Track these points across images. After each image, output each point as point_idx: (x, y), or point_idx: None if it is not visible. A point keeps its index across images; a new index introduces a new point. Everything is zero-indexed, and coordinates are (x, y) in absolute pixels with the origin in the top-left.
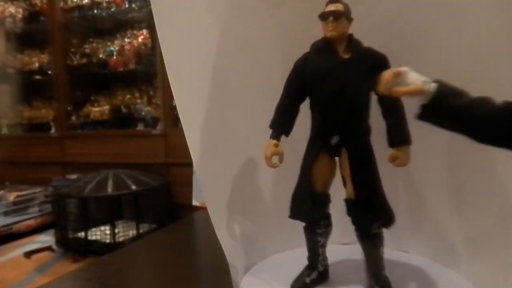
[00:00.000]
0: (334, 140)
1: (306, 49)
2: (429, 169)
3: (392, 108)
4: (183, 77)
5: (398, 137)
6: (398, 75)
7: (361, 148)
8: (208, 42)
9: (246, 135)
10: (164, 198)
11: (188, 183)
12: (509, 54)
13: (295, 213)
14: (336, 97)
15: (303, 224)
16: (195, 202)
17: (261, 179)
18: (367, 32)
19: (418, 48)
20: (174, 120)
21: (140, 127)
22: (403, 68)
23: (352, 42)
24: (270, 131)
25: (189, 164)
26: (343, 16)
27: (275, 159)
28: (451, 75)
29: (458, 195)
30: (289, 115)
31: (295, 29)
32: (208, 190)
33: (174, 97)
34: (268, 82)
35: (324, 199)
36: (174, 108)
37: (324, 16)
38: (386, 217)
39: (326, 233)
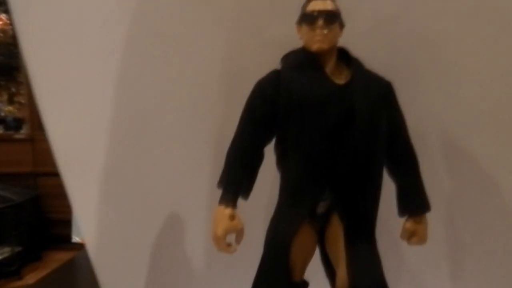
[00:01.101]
0: (323, 206)
1: (253, 54)
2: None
3: (409, 156)
4: (47, 75)
5: (417, 202)
6: None
7: (365, 218)
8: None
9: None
10: (32, 215)
11: (63, 195)
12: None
13: None
14: (340, 135)
15: None
16: (75, 238)
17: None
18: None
19: (414, 56)
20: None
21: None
22: None
23: (349, 61)
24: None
25: None
26: (337, 18)
27: (230, 239)
28: (448, 84)
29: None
30: (251, 163)
31: (238, 28)
32: (88, 230)
33: (37, 101)
34: (199, 98)
35: None
36: None
37: (310, 18)
38: None
39: None
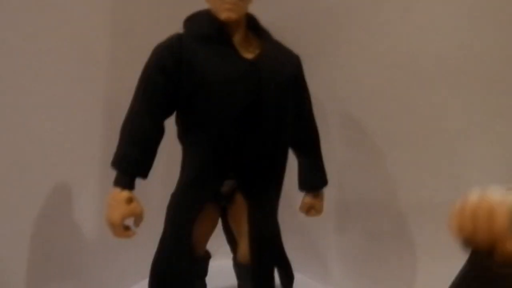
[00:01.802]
0: (227, 185)
1: (142, 11)
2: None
3: (311, 134)
4: None
5: (316, 179)
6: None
7: (269, 198)
8: None
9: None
10: None
11: None
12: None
13: None
14: (248, 116)
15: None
16: None
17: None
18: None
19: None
20: None
21: None
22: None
23: (258, 31)
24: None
25: None
26: None
27: (129, 222)
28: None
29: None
30: (150, 141)
31: None
32: None
33: None
34: (85, 58)
35: (206, 263)
36: None
37: None
38: (289, 282)
39: None
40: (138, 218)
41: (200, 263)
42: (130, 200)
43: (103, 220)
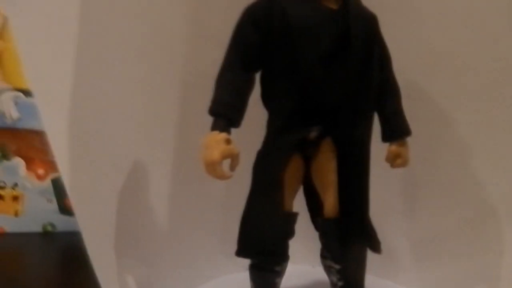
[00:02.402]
0: (315, 132)
1: None
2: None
3: (394, 88)
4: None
5: (401, 127)
6: None
7: (359, 144)
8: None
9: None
10: None
11: None
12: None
13: (257, 248)
14: (334, 61)
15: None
16: None
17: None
18: None
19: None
20: None
21: None
22: None
23: None
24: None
25: None
26: None
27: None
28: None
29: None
30: (243, 91)
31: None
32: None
33: None
34: (163, 43)
35: (294, 222)
36: None
37: None
38: (376, 240)
39: (284, 270)
40: (235, 159)
41: (290, 220)
42: (228, 141)
43: (201, 160)
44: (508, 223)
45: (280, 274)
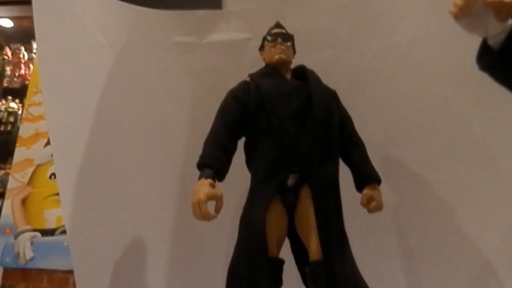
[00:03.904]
0: (292, 179)
1: (214, 101)
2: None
3: (358, 142)
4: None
5: (371, 174)
6: None
7: (331, 182)
8: (96, 86)
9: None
10: None
11: None
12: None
13: None
14: (301, 119)
15: None
16: None
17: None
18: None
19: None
20: None
21: None
22: None
23: (305, 71)
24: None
25: None
26: (291, 40)
27: (210, 205)
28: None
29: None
30: (227, 149)
31: (203, 79)
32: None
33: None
34: (167, 135)
35: (280, 269)
36: None
37: (272, 37)
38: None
39: None
40: (219, 201)
41: (276, 266)
42: (213, 186)
43: (190, 206)
44: (507, 274)
45: None
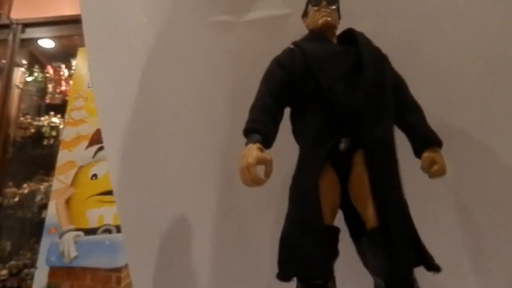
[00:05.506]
0: (345, 143)
1: (254, 80)
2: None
3: (414, 104)
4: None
5: (432, 135)
6: None
7: (386, 145)
8: (139, 65)
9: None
10: None
11: None
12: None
13: (298, 267)
14: (352, 80)
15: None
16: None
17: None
18: None
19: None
20: None
21: None
22: None
23: (353, 33)
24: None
25: None
26: (336, 3)
27: (259, 170)
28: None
29: None
30: (274, 115)
31: (242, 58)
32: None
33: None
34: (208, 115)
35: (336, 238)
36: None
37: (316, 0)
38: (428, 256)
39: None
40: (269, 166)
41: (329, 233)
42: (261, 150)
43: (238, 169)
44: None
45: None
